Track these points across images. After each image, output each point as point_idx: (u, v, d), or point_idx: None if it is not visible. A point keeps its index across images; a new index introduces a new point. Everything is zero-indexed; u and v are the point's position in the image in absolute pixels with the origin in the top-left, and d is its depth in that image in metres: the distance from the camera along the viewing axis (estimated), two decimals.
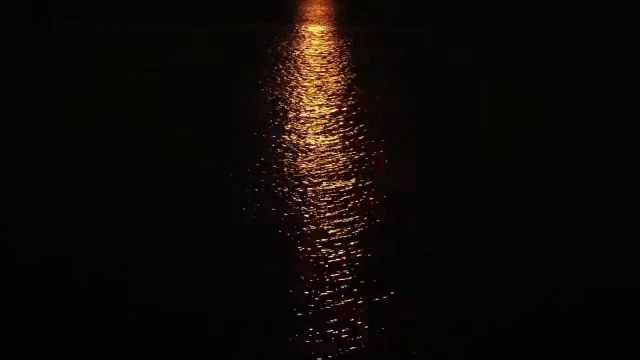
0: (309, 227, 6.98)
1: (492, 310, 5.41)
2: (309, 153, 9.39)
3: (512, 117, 11.37)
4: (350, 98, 12.61)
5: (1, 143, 9.69)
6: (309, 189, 8.06)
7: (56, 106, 11.80)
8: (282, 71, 15.00)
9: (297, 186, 8.14)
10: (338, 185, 8.19)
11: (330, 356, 4.80)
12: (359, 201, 7.68)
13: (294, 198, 7.76)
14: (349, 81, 14.07)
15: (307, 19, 24.27)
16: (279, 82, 13.92)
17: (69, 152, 9.28)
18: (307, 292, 5.69)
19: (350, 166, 8.86)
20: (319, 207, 7.49)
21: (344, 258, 6.31)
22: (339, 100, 12.44)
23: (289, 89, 13.30)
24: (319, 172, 8.64)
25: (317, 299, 5.59)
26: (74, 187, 8.00)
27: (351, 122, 10.96)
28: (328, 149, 9.60)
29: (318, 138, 10.09)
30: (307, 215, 7.26)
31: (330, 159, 9.12)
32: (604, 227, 7.02)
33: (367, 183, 8.25)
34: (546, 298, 5.60)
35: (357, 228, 6.96)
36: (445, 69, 15.44)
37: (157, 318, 5.24)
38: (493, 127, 10.76)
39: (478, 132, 10.47)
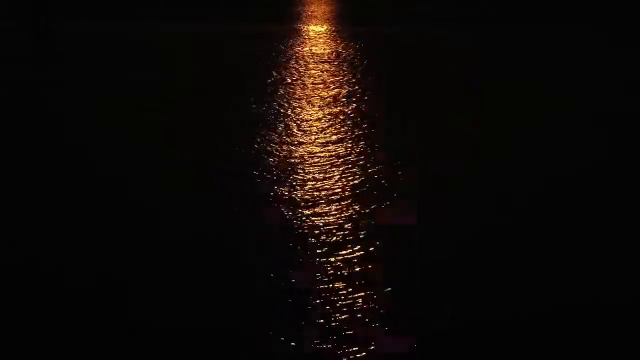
0: (310, 228, 6.97)
1: (497, 311, 5.41)
2: (308, 153, 9.38)
3: (514, 116, 11.36)
4: (351, 97, 12.59)
5: (0, 143, 9.68)
6: (307, 188, 8.05)
7: (56, 106, 11.78)
8: (284, 71, 14.98)
9: (295, 186, 8.13)
10: (339, 184, 8.18)
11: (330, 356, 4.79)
12: (361, 201, 7.67)
13: (291, 197, 7.75)
14: (349, 80, 14.06)
15: (307, 20, 24.25)
16: (281, 81, 13.91)
17: (68, 153, 9.27)
18: (305, 292, 5.68)
19: (353, 166, 8.85)
20: (320, 211, 7.49)
21: (345, 258, 6.30)
22: (339, 100, 12.43)
23: (290, 88, 13.28)
24: (319, 172, 8.63)
25: (315, 297, 5.59)
26: (71, 188, 7.99)
27: (352, 122, 10.95)
28: (328, 147, 9.59)
29: (318, 136, 10.08)
30: (306, 214, 7.25)
31: (331, 159, 9.11)
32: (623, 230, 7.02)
33: (369, 184, 8.24)
34: (553, 300, 5.60)
35: (360, 228, 6.95)
36: (445, 68, 15.42)
37: (154, 321, 5.24)
38: (496, 127, 10.75)
39: (482, 132, 10.45)
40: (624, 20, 24.07)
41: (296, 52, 17.38)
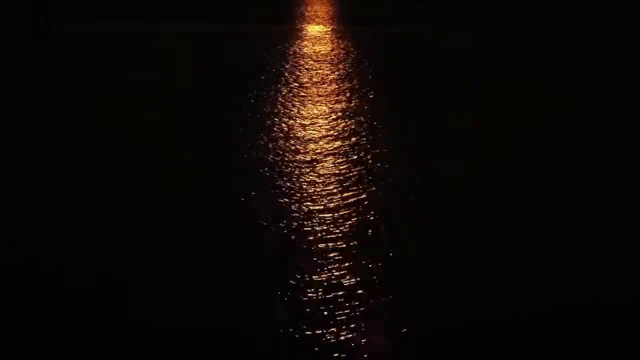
0: (310, 227, 6.98)
1: (496, 311, 5.41)
2: (306, 154, 9.39)
3: (514, 116, 11.36)
4: (350, 98, 12.60)
5: (0, 143, 9.69)
6: (307, 188, 8.06)
7: (55, 106, 11.79)
8: (284, 70, 14.99)
9: (295, 187, 8.13)
10: (338, 186, 8.19)
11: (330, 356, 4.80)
12: (360, 201, 7.67)
13: (292, 197, 7.75)
14: (350, 80, 14.06)
15: (308, 20, 24.26)
16: (281, 81, 13.92)
17: (68, 153, 9.27)
18: (304, 288, 5.68)
19: (352, 166, 8.85)
20: (318, 208, 7.48)
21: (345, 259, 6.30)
22: (339, 100, 12.43)
23: (290, 88, 13.29)
24: (319, 172, 8.63)
25: (316, 296, 5.59)
26: (71, 188, 7.99)
27: (352, 123, 10.95)
28: (327, 149, 9.59)
29: (317, 136, 10.09)
30: (305, 212, 7.26)
31: (330, 159, 9.12)
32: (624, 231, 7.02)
33: (370, 183, 8.24)
34: (553, 300, 5.60)
35: (360, 228, 6.95)
36: (446, 68, 15.43)
37: (154, 321, 5.24)
38: (496, 126, 10.75)
39: (482, 132, 10.46)
40: (623, 20, 24.07)
41: (298, 52, 17.38)
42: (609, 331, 5.12)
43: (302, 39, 19.67)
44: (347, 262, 6.21)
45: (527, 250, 6.46)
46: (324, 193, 7.92)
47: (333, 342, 4.97)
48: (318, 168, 8.79)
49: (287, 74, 14.65)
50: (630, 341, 4.99)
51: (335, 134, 10.31)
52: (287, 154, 9.34)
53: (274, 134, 10.24)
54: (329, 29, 21.87)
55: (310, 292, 5.67)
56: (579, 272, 6.04)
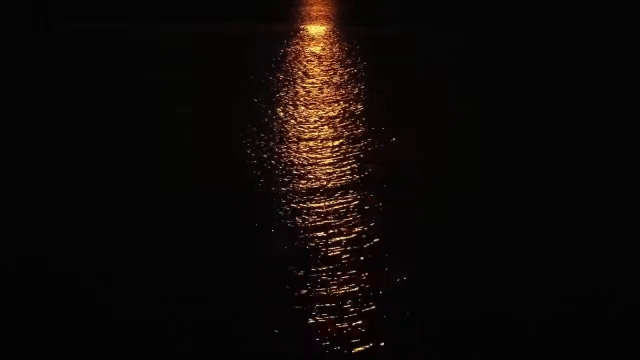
0: (311, 225, 6.99)
1: (496, 310, 5.42)
2: (304, 151, 9.39)
3: (513, 116, 11.37)
4: (350, 97, 12.60)
5: (1, 142, 9.70)
6: (306, 182, 8.06)
7: (55, 106, 11.79)
8: (284, 70, 14.98)
9: (294, 180, 8.14)
10: (336, 183, 8.19)
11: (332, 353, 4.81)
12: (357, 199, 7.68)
13: (291, 192, 7.76)
14: (349, 81, 14.06)
15: (309, 20, 24.26)
16: (281, 80, 13.91)
17: (67, 152, 9.28)
18: (306, 283, 5.69)
19: (347, 162, 8.86)
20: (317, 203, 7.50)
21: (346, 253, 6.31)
22: (338, 99, 12.43)
23: (290, 87, 13.29)
24: (317, 167, 8.64)
25: (316, 290, 5.60)
26: (72, 186, 8.00)
27: (351, 122, 10.96)
28: (325, 145, 9.59)
29: (316, 134, 10.09)
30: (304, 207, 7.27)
31: (327, 157, 9.12)
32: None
33: (370, 183, 8.25)
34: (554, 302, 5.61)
35: (361, 227, 6.96)
36: (446, 68, 15.43)
37: (154, 319, 5.25)
38: (495, 126, 10.76)
39: (481, 132, 10.47)
40: (619, 20, 24.08)
41: (300, 52, 17.37)
42: (610, 331, 5.12)
43: (305, 39, 19.66)
44: (348, 263, 6.21)
45: (526, 250, 6.46)
46: (329, 189, 7.93)
47: (334, 342, 4.98)
48: (315, 162, 8.80)
49: (291, 74, 14.64)
50: (634, 341, 4.99)
51: (331, 131, 10.31)
52: (283, 149, 9.34)
53: (278, 129, 10.23)
54: (332, 29, 21.87)
55: (309, 291, 5.68)
56: (581, 273, 6.04)
